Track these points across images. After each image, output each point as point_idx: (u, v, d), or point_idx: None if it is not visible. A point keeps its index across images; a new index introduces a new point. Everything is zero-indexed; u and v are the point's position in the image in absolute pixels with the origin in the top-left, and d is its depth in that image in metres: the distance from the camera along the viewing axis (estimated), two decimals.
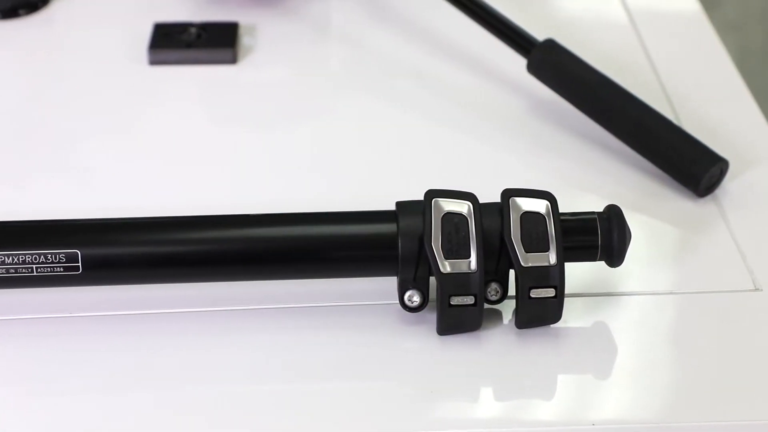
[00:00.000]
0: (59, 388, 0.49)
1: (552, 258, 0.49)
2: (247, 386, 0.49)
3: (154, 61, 0.68)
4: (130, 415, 0.48)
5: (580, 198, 0.59)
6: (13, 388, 0.49)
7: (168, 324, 0.52)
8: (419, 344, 0.51)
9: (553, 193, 0.51)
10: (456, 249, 0.49)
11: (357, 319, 0.52)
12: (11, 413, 0.48)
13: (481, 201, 0.51)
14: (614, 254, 0.51)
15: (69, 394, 0.48)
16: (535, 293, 0.50)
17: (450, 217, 0.50)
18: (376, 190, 0.59)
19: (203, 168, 0.62)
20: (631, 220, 0.52)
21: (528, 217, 0.50)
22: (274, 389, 0.49)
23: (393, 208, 0.51)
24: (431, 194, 0.51)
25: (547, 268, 0.49)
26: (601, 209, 0.52)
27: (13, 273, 0.49)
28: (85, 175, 0.61)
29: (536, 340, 0.51)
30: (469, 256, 0.50)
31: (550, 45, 0.64)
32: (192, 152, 0.63)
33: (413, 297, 0.51)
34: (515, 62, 0.66)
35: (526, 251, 0.50)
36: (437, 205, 0.50)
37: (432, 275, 0.50)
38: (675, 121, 0.63)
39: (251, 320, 0.52)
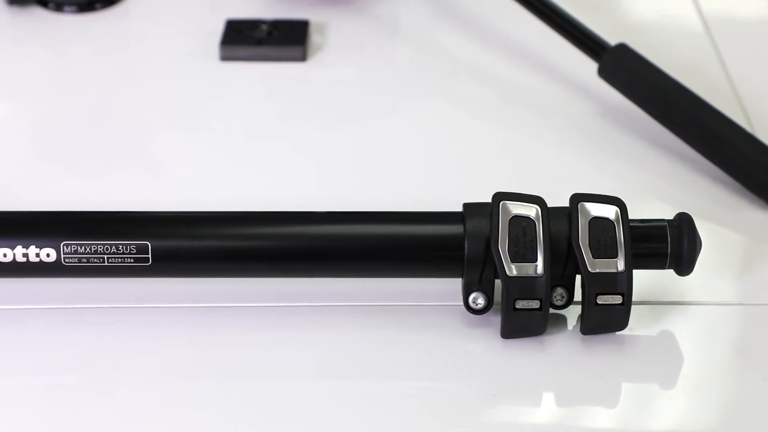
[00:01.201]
0: (123, 377, 0.49)
1: (620, 264, 0.49)
2: (309, 382, 0.49)
3: (225, 57, 0.69)
4: (191, 406, 0.48)
5: (650, 205, 0.59)
6: (80, 376, 0.50)
7: (234, 318, 0.52)
8: (482, 347, 0.51)
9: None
10: (523, 252, 0.49)
11: (421, 319, 0.52)
12: (79, 399, 0.48)
13: (548, 205, 0.50)
14: (684, 263, 0.51)
15: (132, 383, 0.49)
16: (601, 300, 0.49)
17: (518, 221, 0.50)
18: (441, 191, 0.59)
19: (270, 164, 0.62)
20: (702, 228, 0.52)
21: (597, 222, 0.50)
22: (336, 386, 0.49)
23: (459, 209, 0.51)
24: (499, 197, 0.51)
25: (614, 275, 0.49)
26: (671, 217, 0.51)
27: (85, 262, 0.50)
28: (154, 168, 0.62)
29: (601, 347, 0.51)
30: (535, 260, 0.49)
31: (623, 49, 0.63)
32: (259, 148, 0.63)
33: (478, 299, 0.51)
34: (585, 66, 0.65)
35: (594, 257, 0.49)
36: (505, 207, 0.50)
37: (497, 278, 0.50)
38: (749, 129, 0.62)
39: (316, 317, 0.52)
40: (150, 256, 0.50)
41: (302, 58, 0.69)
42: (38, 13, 0.72)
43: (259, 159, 0.62)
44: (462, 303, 0.51)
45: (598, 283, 0.49)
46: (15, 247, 0.50)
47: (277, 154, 0.63)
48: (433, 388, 0.49)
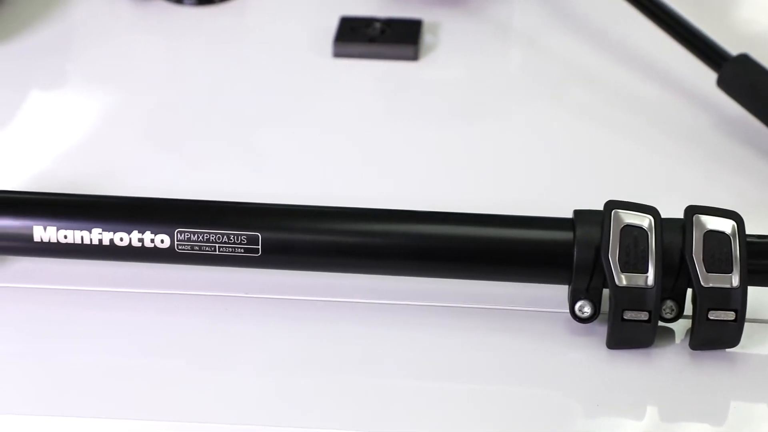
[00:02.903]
0: (227, 365, 0.50)
1: (735, 280, 0.48)
2: (409, 381, 0.49)
3: (338, 54, 0.70)
4: (289, 398, 0.49)
5: (766, 221, 0.57)
6: (186, 361, 0.50)
7: (337, 312, 0.52)
8: (587, 356, 0.50)
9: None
10: (633, 262, 0.48)
11: (524, 324, 0.52)
12: (182, 384, 0.49)
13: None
14: None
15: (235, 371, 0.50)
16: (713, 315, 0.48)
17: (629, 230, 0.49)
18: (548, 197, 0.59)
19: (376, 161, 0.62)
20: None
21: (712, 235, 0.49)
22: (433, 387, 0.49)
23: (566, 215, 0.51)
24: (611, 205, 0.50)
25: (728, 290, 0.48)
26: None
27: (197, 250, 0.51)
28: (261, 160, 0.63)
29: (710, 363, 0.50)
30: (646, 271, 0.48)
31: (744, 60, 0.62)
32: (366, 145, 0.64)
33: (584, 308, 0.50)
34: (703, 75, 0.64)
35: (708, 271, 0.48)
36: (617, 216, 0.49)
37: (606, 287, 0.49)
38: None
39: (419, 316, 0.52)
40: (260, 247, 0.51)
41: (414, 57, 0.69)
42: (159, 5, 0.74)
43: (366, 156, 0.63)
44: (568, 310, 0.51)
45: (710, 298, 0.48)
46: (131, 232, 0.51)
47: (384, 152, 0.63)
48: (534, 395, 0.49)
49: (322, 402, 0.49)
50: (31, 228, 0.51)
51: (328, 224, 0.52)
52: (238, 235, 0.51)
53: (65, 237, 0.51)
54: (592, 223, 0.50)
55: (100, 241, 0.51)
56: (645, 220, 0.49)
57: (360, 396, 0.49)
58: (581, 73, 0.69)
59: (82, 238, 0.51)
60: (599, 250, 0.49)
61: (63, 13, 0.73)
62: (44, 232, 0.51)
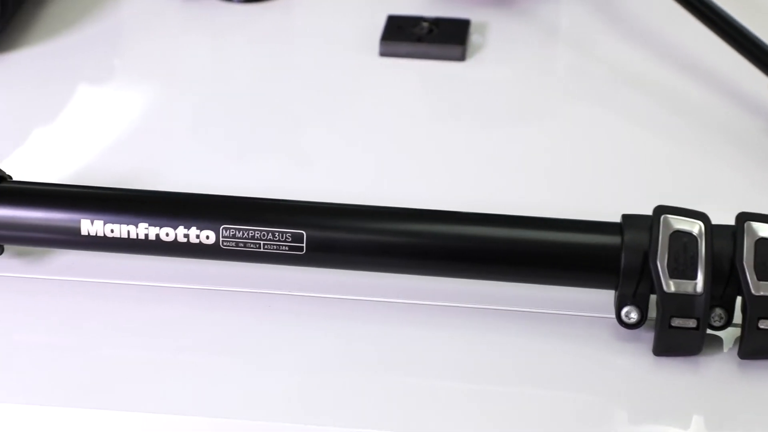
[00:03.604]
0: (268, 363, 0.50)
1: None
2: (448, 383, 0.49)
3: (384, 53, 0.70)
4: (329, 397, 0.48)
5: None
6: (229, 357, 0.51)
7: (380, 312, 0.52)
8: (632, 362, 0.50)
9: None
10: (682, 269, 0.48)
11: (569, 329, 0.51)
12: (223, 379, 0.49)
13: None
14: None
15: (276, 369, 0.50)
16: (764, 324, 0.47)
17: (679, 236, 0.48)
18: (594, 200, 0.58)
19: (420, 161, 0.62)
20: None
21: (765, 243, 0.48)
22: (476, 389, 0.49)
23: (611, 219, 0.50)
24: (661, 210, 0.49)
25: None
26: None
27: (241, 247, 0.51)
28: (303, 158, 0.63)
29: (760, 374, 0.49)
30: (695, 278, 0.48)
31: None
32: (411, 145, 0.63)
33: (631, 313, 0.50)
34: (757, 80, 0.63)
35: (759, 279, 0.47)
36: (666, 221, 0.49)
37: (653, 293, 0.49)
38: None
39: (461, 318, 0.52)
40: (304, 245, 0.51)
41: (461, 57, 0.69)
42: (207, 2, 0.74)
43: (410, 156, 0.62)
44: (613, 316, 0.50)
45: (762, 307, 0.47)
46: (177, 227, 0.51)
47: (429, 152, 0.63)
48: (577, 400, 0.48)
49: (364, 402, 0.48)
50: (79, 221, 0.51)
51: (372, 224, 0.51)
52: (282, 232, 0.51)
53: (112, 231, 0.51)
54: (640, 228, 0.49)
55: (146, 235, 0.51)
56: (695, 226, 0.49)
57: (401, 397, 0.49)
58: (630, 75, 0.68)
59: (128, 232, 0.51)
60: (647, 255, 0.48)
61: (112, 8, 0.74)
62: (91, 225, 0.51)
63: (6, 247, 0.54)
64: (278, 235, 0.51)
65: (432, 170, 0.61)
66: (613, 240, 0.49)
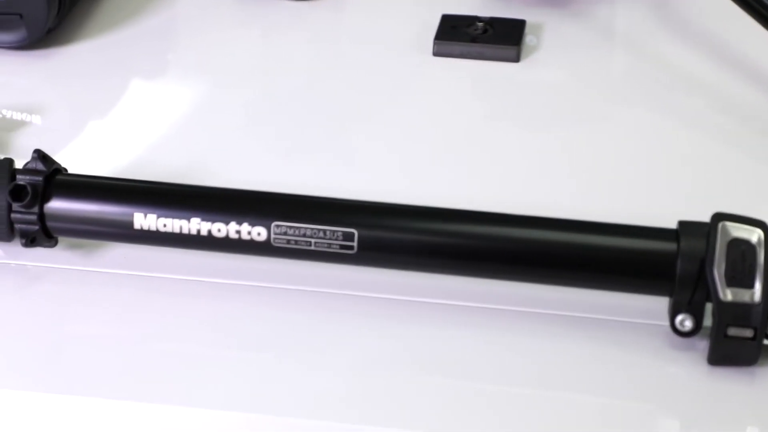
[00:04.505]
0: (317, 361, 0.50)
1: None
2: (497, 387, 0.49)
3: (438, 53, 0.69)
4: (378, 397, 0.48)
5: None
6: (277, 354, 0.51)
7: (429, 313, 0.52)
8: (686, 371, 0.49)
9: None
10: (740, 278, 0.47)
11: (621, 335, 0.51)
12: (272, 377, 0.49)
13: None
14: None
15: (325, 368, 0.50)
16: None
17: (737, 243, 0.48)
18: (648, 206, 0.57)
19: (471, 162, 0.62)
20: None
21: None
22: (526, 393, 0.48)
23: (665, 225, 0.49)
24: (719, 217, 0.48)
25: None
26: None
27: (293, 244, 0.51)
28: (356, 157, 0.62)
29: None
30: (753, 287, 0.47)
31: None
32: (462, 146, 0.63)
33: (685, 321, 0.49)
34: None
35: None
36: (725, 229, 0.48)
37: (709, 301, 0.48)
38: None
39: (513, 321, 0.51)
40: (355, 244, 0.51)
41: (516, 58, 0.68)
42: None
43: (461, 157, 0.62)
44: (667, 323, 0.49)
45: None
46: (229, 223, 0.51)
47: (481, 153, 0.62)
48: (627, 407, 0.48)
49: (413, 403, 0.48)
50: (132, 215, 0.52)
51: (425, 224, 0.51)
52: (334, 231, 0.51)
53: (164, 225, 0.51)
54: (697, 234, 0.48)
55: (198, 230, 0.51)
56: (754, 235, 0.48)
57: (450, 399, 0.48)
58: (688, 78, 0.67)
59: (180, 227, 0.51)
60: (704, 262, 0.48)
61: (167, 3, 0.74)
62: (144, 219, 0.51)
63: (60, 239, 0.54)
64: (329, 234, 0.51)
65: (483, 171, 0.61)
66: (669, 246, 0.49)
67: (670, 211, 0.51)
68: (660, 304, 0.50)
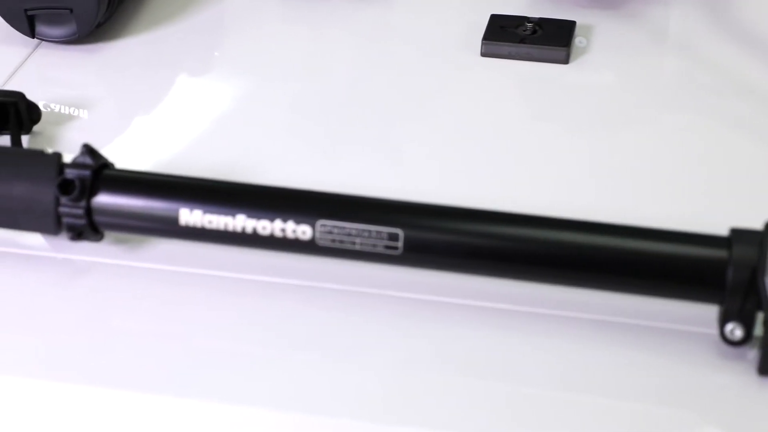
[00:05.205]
0: (358, 359, 0.50)
1: None
2: (540, 391, 0.48)
3: (486, 53, 0.69)
4: (416, 397, 0.48)
5: None
6: (320, 354, 0.50)
7: (471, 316, 0.51)
8: (734, 381, 0.48)
9: None
10: None
11: (669, 342, 0.50)
12: (315, 377, 0.49)
13: None
14: None
15: (361, 368, 0.49)
16: None
17: None
18: (701, 213, 0.56)
19: (517, 163, 0.61)
20: None
21: None
22: (570, 398, 0.48)
23: (719, 233, 0.49)
24: None
25: None
26: None
27: (337, 244, 0.51)
28: (402, 156, 0.62)
29: None
30: None
31: None
32: (509, 147, 0.62)
33: (735, 330, 0.48)
34: None
35: None
36: None
37: (760, 310, 0.47)
38: None
39: (557, 325, 0.51)
40: (401, 244, 0.50)
41: (565, 60, 0.68)
42: None
43: (507, 158, 0.61)
44: (716, 332, 0.48)
45: None
46: (274, 221, 0.51)
47: (528, 155, 0.62)
48: (676, 416, 0.47)
49: (454, 405, 0.48)
50: (177, 211, 0.52)
51: (471, 226, 0.51)
52: (379, 231, 0.50)
53: (210, 222, 0.51)
54: (750, 243, 0.48)
55: (243, 228, 0.51)
56: None
57: (490, 402, 0.48)
58: (740, 82, 0.66)
59: (225, 224, 0.51)
60: (756, 271, 0.47)
61: (214, 0, 0.75)
62: (190, 215, 0.52)
63: (106, 233, 0.55)
64: (374, 234, 0.50)
65: (530, 174, 0.60)
66: (720, 254, 0.48)
67: (722, 219, 0.50)
68: (710, 311, 0.49)
